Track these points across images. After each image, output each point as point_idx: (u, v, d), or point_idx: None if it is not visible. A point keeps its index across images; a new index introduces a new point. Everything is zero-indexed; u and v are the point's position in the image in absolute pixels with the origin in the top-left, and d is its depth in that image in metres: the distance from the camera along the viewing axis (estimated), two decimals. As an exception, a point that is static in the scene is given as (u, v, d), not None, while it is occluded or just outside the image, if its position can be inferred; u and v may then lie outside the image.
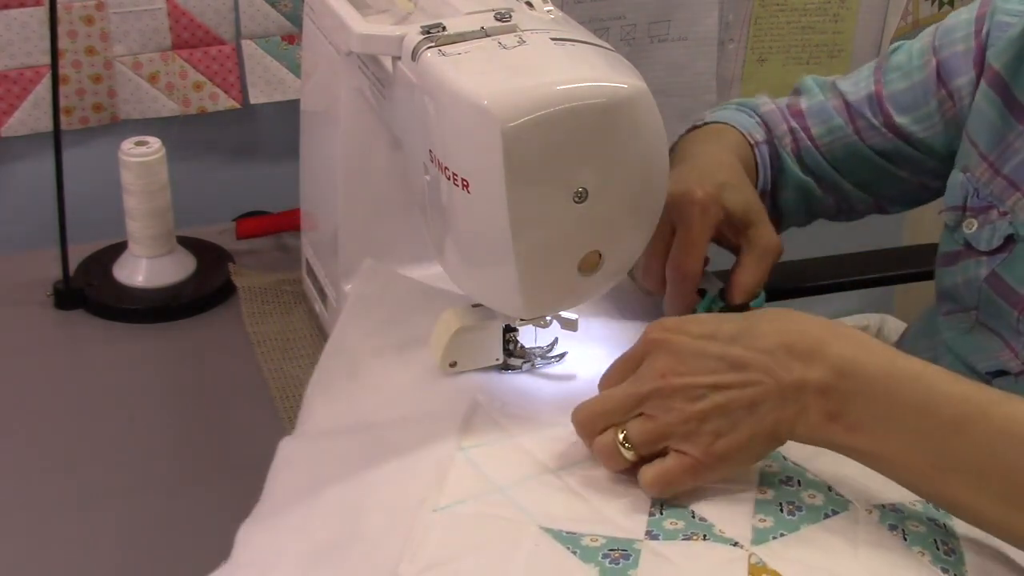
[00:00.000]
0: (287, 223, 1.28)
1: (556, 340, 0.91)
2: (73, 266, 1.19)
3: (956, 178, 0.98)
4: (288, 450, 0.82)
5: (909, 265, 1.36)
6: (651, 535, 0.67)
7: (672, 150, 1.02)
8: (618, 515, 0.69)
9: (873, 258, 1.36)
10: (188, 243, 1.25)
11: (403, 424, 0.80)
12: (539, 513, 0.69)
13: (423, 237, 0.86)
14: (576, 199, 0.74)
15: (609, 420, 0.72)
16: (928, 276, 1.34)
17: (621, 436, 0.71)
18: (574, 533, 0.67)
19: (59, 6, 1.24)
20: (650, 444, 0.70)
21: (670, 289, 0.90)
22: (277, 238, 1.31)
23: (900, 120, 1.03)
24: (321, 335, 1.12)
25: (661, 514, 0.69)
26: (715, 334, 0.70)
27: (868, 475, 0.69)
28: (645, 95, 0.73)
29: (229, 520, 0.92)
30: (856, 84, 1.06)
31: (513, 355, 0.87)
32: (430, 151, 0.77)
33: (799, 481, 0.72)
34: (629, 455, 0.71)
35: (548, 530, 0.68)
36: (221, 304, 1.19)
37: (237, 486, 0.95)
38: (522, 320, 0.84)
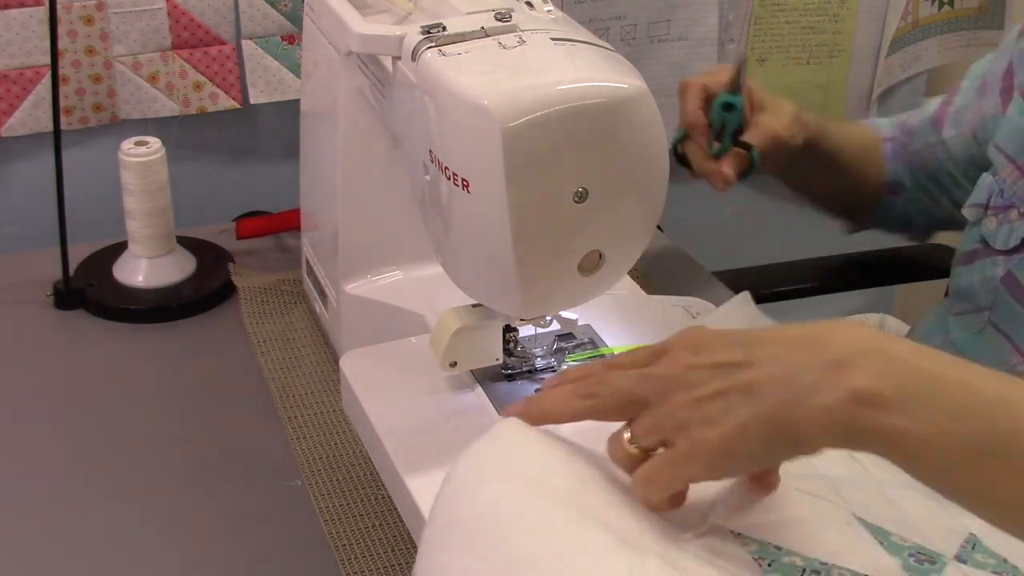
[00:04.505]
0: (287, 223, 1.28)
1: (556, 340, 0.91)
2: (73, 266, 1.19)
3: (984, 179, 1.00)
4: None
5: (909, 265, 1.37)
6: (959, 559, 0.66)
7: None
8: (931, 531, 0.68)
9: (873, 258, 1.36)
10: (188, 243, 1.25)
11: None
12: (853, 502, 0.69)
13: (423, 237, 0.86)
14: (576, 199, 0.74)
15: (618, 389, 0.66)
16: (928, 276, 1.34)
17: (627, 434, 0.65)
18: (883, 528, 0.67)
19: (59, 6, 1.24)
20: (648, 435, 0.64)
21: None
22: (277, 238, 1.31)
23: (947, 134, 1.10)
24: (321, 335, 1.12)
25: (973, 549, 0.68)
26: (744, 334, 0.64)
27: None
28: (645, 95, 0.73)
29: (229, 520, 0.92)
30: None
31: (513, 355, 0.87)
32: (430, 151, 0.77)
33: None
34: (632, 449, 0.65)
35: (859, 519, 0.68)
36: (221, 304, 1.19)
37: (237, 486, 0.95)
38: (522, 320, 0.84)
